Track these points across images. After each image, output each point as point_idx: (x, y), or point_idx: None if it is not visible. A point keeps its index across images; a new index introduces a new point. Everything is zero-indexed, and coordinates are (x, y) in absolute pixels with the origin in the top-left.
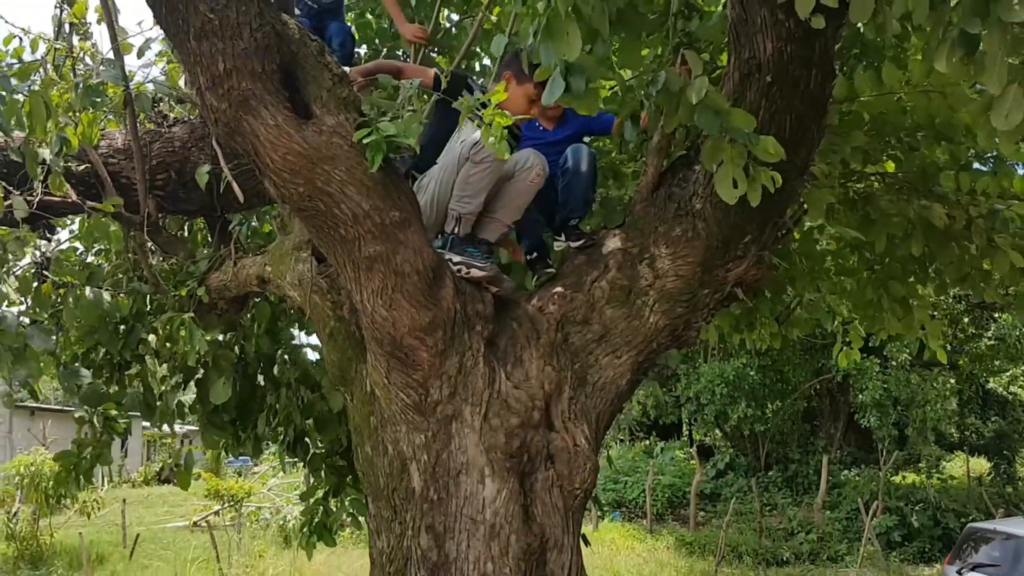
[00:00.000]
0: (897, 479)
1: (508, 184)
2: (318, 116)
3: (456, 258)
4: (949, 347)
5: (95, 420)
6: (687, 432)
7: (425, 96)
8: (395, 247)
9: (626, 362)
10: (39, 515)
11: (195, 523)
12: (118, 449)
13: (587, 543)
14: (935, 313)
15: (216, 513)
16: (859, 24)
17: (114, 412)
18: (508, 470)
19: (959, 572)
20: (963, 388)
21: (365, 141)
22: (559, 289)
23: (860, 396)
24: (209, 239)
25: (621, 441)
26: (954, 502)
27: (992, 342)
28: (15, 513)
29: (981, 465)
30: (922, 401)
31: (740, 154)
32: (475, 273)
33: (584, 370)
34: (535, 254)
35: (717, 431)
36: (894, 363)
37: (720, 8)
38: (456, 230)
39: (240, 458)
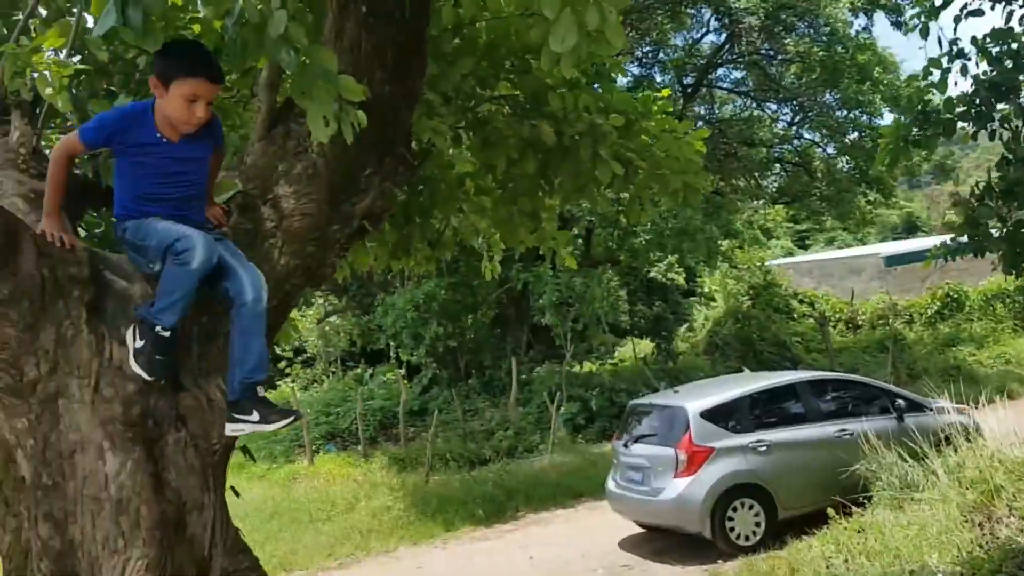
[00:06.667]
0: (577, 369)
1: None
2: None
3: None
4: (613, 245)
5: None
6: (394, 355)
7: None
8: None
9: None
10: None
11: None
12: None
13: (237, 494)
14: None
15: None
16: None
17: None
18: (131, 440)
19: (625, 444)
20: (629, 280)
21: None
22: None
23: (540, 301)
24: None
25: (333, 374)
26: (625, 382)
27: (650, 236)
28: None
29: (648, 346)
30: (590, 298)
31: (328, 92)
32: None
33: (214, 323)
34: None
35: (421, 350)
36: (562, 268)
37: None
38: None
39: None
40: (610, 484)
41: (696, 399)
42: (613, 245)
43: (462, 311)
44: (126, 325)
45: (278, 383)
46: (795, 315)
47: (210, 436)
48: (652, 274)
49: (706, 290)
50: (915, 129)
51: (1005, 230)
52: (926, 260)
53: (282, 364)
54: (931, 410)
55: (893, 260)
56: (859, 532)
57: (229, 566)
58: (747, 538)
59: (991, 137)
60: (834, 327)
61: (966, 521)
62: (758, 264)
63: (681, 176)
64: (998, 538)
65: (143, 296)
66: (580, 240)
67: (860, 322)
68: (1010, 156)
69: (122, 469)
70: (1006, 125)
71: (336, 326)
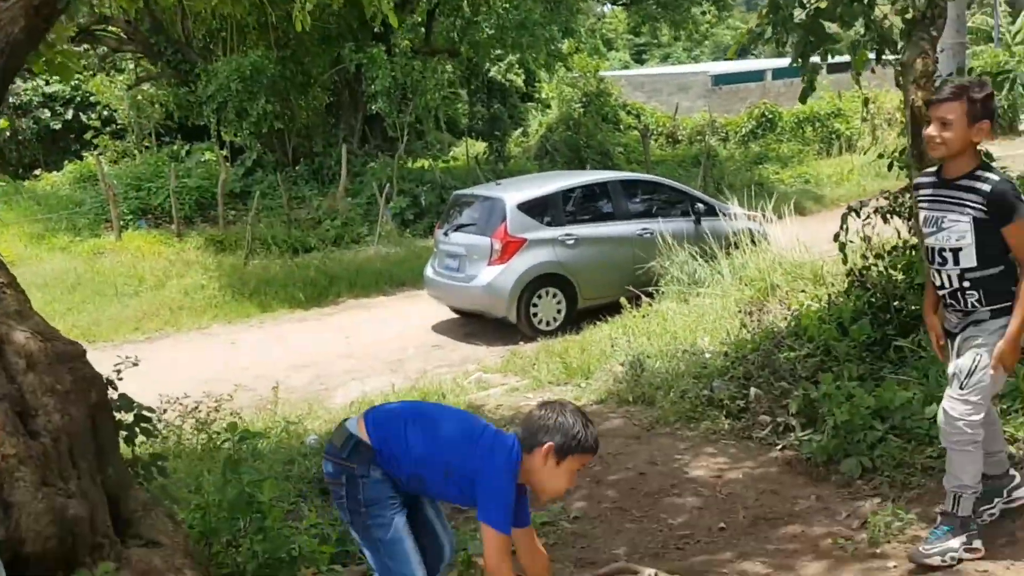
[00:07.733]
0: (410, 164)
1: None
2: None
3: None
4: (456, 35)
5: None
6: (216, 133)
7: None
8: None
9: (16, 6)
10: None
11: None
12: None
13: None
14: None
15: None
16: None
17: None
18: None
19: (445, 233)
20: (470, 79)
21: None
22: None
23: (373, 86)
24: None
25: (147, 148)
26: (456, 180)
27: (492, 31)
28: None
29: (482, 147)
30: (424, 88)
31: None
32: None
33: None
34: None
35: (246, 129)
36: (398, 50)
37: None
38: None
39: None
40: (428, 271)
41: (515, 192)
42: (455, 36)
43: (292, 90)
44: None
45: (84, 155)
46: (621, 126)
47: None
48: (492, 74)
49: (543, 96)
50: None
51: (805, 17)
52: (731, 49)
53: (89, 135)
54: (725, 216)
55: (720, 79)
56: (644, 318)
57: None
58: (548, 323)
59: None
60: (655, 140)
61: (740, 312)
62: (593, 72)
63: None
64: (764, 325)
65: None
66: (422, 29)
67: (680, 137)
68: None
69: None
70: None
71: (150, 95)
